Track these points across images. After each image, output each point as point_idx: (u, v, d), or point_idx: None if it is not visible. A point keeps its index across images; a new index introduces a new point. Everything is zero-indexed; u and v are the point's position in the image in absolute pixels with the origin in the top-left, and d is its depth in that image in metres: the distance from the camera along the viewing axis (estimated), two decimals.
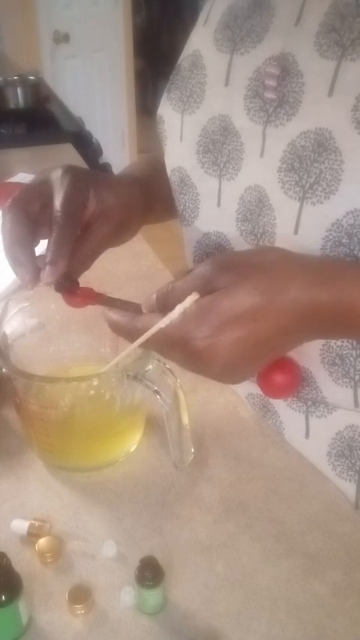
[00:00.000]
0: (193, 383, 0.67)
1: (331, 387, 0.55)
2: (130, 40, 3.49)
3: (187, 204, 0.60)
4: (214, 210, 0.57)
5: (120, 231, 0.58)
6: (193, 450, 0.54)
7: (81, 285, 0.53)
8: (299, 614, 0.46)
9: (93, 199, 0.55)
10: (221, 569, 0.49)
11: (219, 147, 0.55)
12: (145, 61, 4.19)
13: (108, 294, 0.53)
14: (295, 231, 0.50)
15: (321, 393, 0.56)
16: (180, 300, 0.43)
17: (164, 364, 0.53)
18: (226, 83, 0.54)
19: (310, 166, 0.48)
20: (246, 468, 0.58)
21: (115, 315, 0.48)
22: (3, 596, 0.43)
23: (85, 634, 0.45)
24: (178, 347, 0.44)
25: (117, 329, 0.49)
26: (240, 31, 0.53)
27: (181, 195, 0.60)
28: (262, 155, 0.51)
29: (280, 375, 0.53)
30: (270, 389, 0.54)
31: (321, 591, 0.47)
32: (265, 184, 0.51)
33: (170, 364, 0.52)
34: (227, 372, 0.44)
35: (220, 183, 0.56)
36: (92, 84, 3.34)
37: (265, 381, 0.54)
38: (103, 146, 1.95)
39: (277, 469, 0.58)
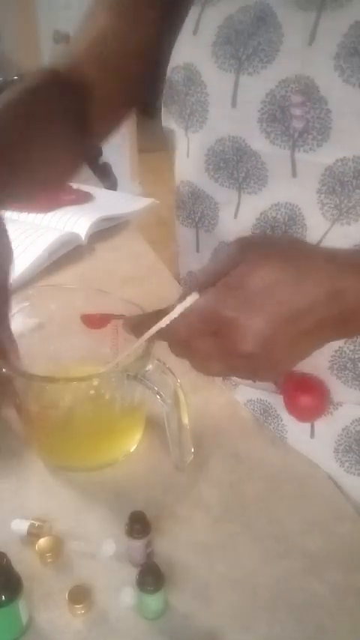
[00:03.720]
0: (193, 383, 0.67)
1: (339, 388, 0.55)
2: None
3: (205, 211, 0.59)
4: (230, 222, 0.57)
5: None
6: (193, 450, 0.54)
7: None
8: (299, 614, 0.46)
9: None
10: (221, 569, 0.49)
11: (233, 164, 0.54)
12: None
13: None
14: None
15: (328, 391, 0.56)
16: (208, 280, 0.45)
17: (164, 364, 0.53)
18: (233, 104, 0.52)
19: (353, 192, 0.48)
20: (246, 468, 0.58)
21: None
22: (3, 596, 0.43)
23: (85, 634, 0.45)
24: (209, 322, 0.44)
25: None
26: (245, 49, 0.50)
27: (195, 206, 0.59)
28: (295, 176, 0.50)
29: (308, 397, 0.55)
30: (298, 411, 0.56)
31: (321, 591, 0.47)
32: (301, 203, 0.51)
33: (171, 363, 0.52)
34: (260, 351, 0.43)
35: (239, 196, 0.55)
36: None
37: (293, 404, 0.56)
38: (103, 146, 1.94)
39: (277, 469, 0.58)
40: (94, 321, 0.58)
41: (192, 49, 0.54)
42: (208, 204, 0.58)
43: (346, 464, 0.58)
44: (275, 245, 0.46)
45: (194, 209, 0.60)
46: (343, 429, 0.58)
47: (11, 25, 2.86)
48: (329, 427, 0.58)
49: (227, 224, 0.57)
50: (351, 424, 0.57)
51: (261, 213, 0.53)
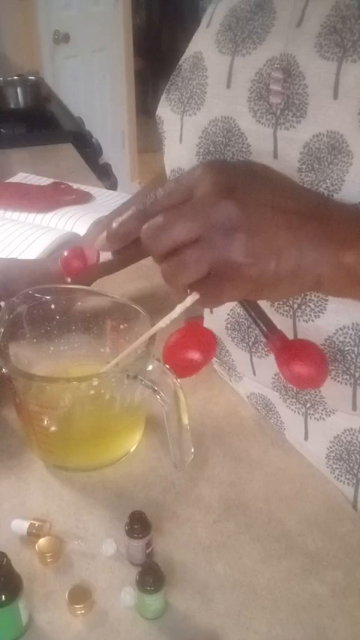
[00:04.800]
0: (193, 383, 0.67)
1: (330, 385, 0.55)
2: (130, 40, 3.49)
3: None
4: None
5: None
6: (193, 450, 0.54)
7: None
8: (299, 614, 0.46)
9: None
10: (221, 569, 0.49)
11: (221, 149, 0.54)
12: (145, 61, 4.19)
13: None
14: None
15: (320, 392, 0.56)
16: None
17: (164, 364, 0.53)
18: (228, 85, 0.54)
19: (327, 168, 0.48)
20: (246, 468, 0.58)
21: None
22: (3, 596, 0.43)
23: (85, 634, 0.45)
24: (186, 187, 0.41)
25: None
26: (242, 33, 0.53)
27: None
28: (276, 157, 0.51)
29: (303, 363, 0.50)
30: (292, 377, 0.52)
31: (321, 591, 0.47)
32: None
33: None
34: (234, 204, 0.39)
35: None
36: (92, 84, 3.34)
37: (287, 368, 0.51)
38: (103, 146, 1.95)
39: (277, 469, 0.58)
40: (75, 268, 0.53)
41: (202, 40, 0.57)
42: None
43: (337, 471, 0.58)
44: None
45: None
46: (335, 437, 0.58)
47: (11, 25, 2.86)
48: (322, 433, 0.58)
49: None
50: (342, 433, 0.57)
51: None
